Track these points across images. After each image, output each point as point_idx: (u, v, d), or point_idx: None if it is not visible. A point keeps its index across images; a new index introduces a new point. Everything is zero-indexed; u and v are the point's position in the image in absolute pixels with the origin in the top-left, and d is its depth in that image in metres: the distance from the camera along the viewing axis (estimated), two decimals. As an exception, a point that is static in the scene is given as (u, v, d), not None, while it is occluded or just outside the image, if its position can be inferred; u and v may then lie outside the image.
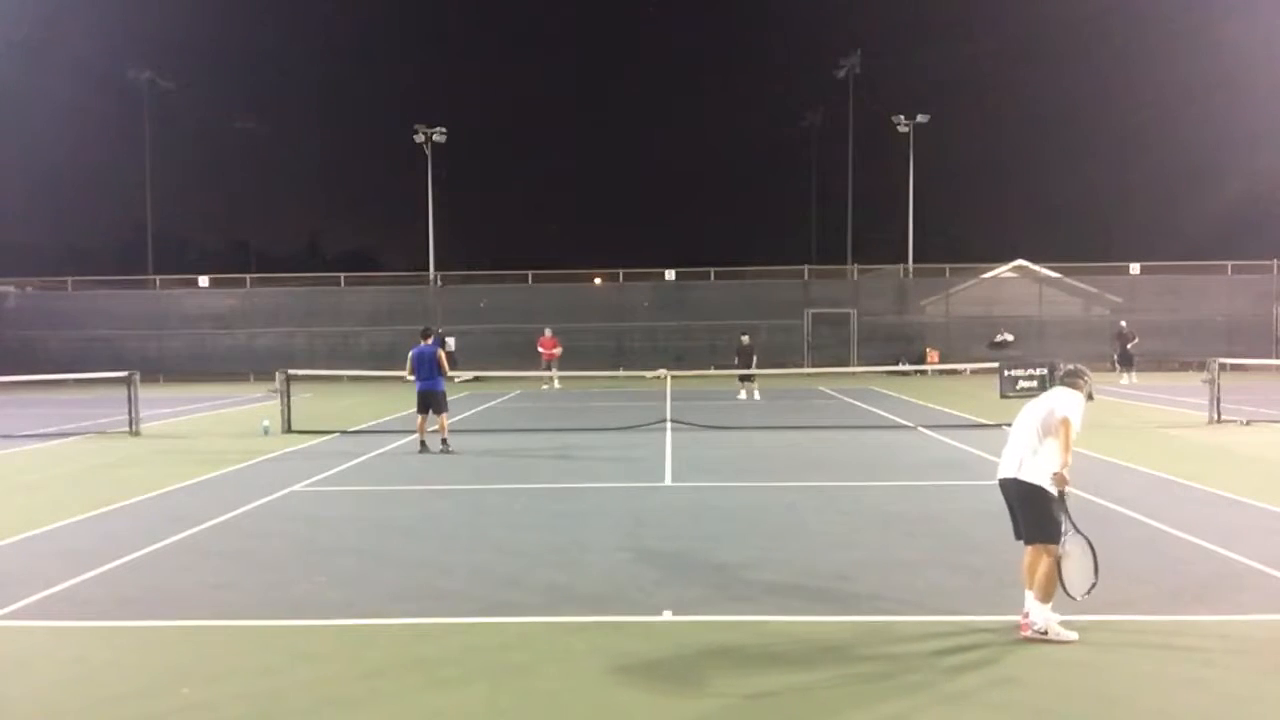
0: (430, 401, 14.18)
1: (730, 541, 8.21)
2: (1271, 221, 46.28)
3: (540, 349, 28.11)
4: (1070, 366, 6.08)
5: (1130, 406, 20.41)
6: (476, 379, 29.82)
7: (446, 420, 14.39)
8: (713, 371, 29.95)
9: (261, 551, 8.11)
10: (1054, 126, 76.80)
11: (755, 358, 23.16)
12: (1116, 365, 27.63)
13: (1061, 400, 5.72)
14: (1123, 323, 28.62)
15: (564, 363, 27.97)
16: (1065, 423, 5.57)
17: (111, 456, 14.43)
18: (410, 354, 14.33)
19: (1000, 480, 5.87)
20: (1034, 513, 5.66)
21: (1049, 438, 5.62)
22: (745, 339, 23.39)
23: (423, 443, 14.12)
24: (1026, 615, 5.64)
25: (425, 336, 14.55)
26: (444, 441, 14.10)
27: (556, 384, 27.69)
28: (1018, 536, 5.84)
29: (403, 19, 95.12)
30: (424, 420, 14.31)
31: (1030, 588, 5.65)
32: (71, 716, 4.77)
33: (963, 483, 11.15)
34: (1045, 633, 5.53)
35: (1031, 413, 5.81)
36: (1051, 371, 17.28)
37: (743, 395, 23.25)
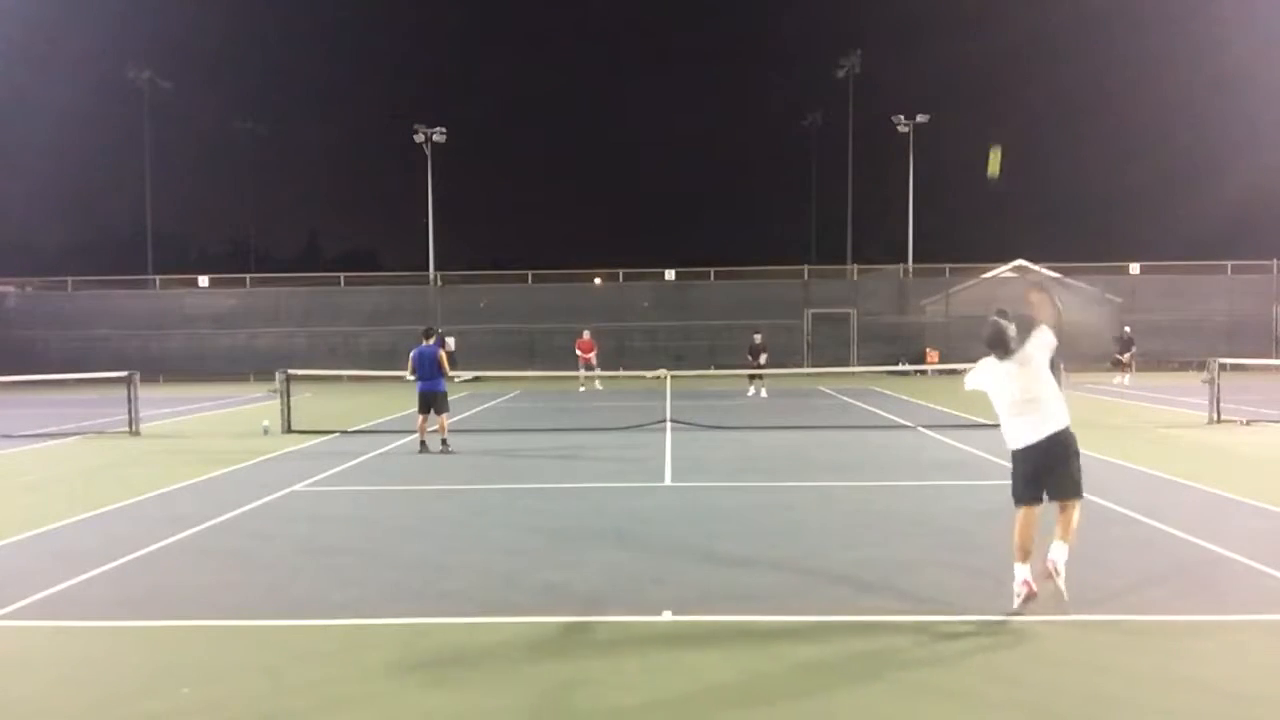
0: (432, 401, 14.17)
1: (730, 541, 8.21)
2: (1271, 221, 46.33)
3: (578, 351, 27.05)
4: (998, 323, 6.17)
5: (1130, 406, 20.42)
6: (476, 379, 29.82)
7: (447, 420, 14.38)
8: (713, 371, 29.97)
9: (261, 551, 8.11)
10: (1053, 126, 76.94)
11: (765, 355, 23.51)
12: (1114, 365, 27.63)
13: (1040, 342, 6.11)
14: (1127, 328, 28.48)
15: (564, 362, 27.85)
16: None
17: (111, 456, 14.43)
18: (411, 354, 14.32)
19: (1049, 437, 5.94)
20: (1078, 460, 5.99)
21: (1052, 378, 6.07)
22: (757, 338, 23.96)
23: (423, 443, 14.11)
24: (1055, 564, 5.92)
25: (427, 337, 14.53)
26: (444, 442, 14.10)
27: (598, 384, 27.05)
28: (1053, 498, 6.03)
29: (403, 19, 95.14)
30: (424, 420, 14.30)
31: (1065, 538, 5.96)
32: (71, 716, 4.77)
33: (963, 483, 11.15)
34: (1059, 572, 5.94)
35: (1031, 369, 6.07)
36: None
37: (751, 392, 23.85)
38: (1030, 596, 5.89)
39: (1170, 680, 5.02)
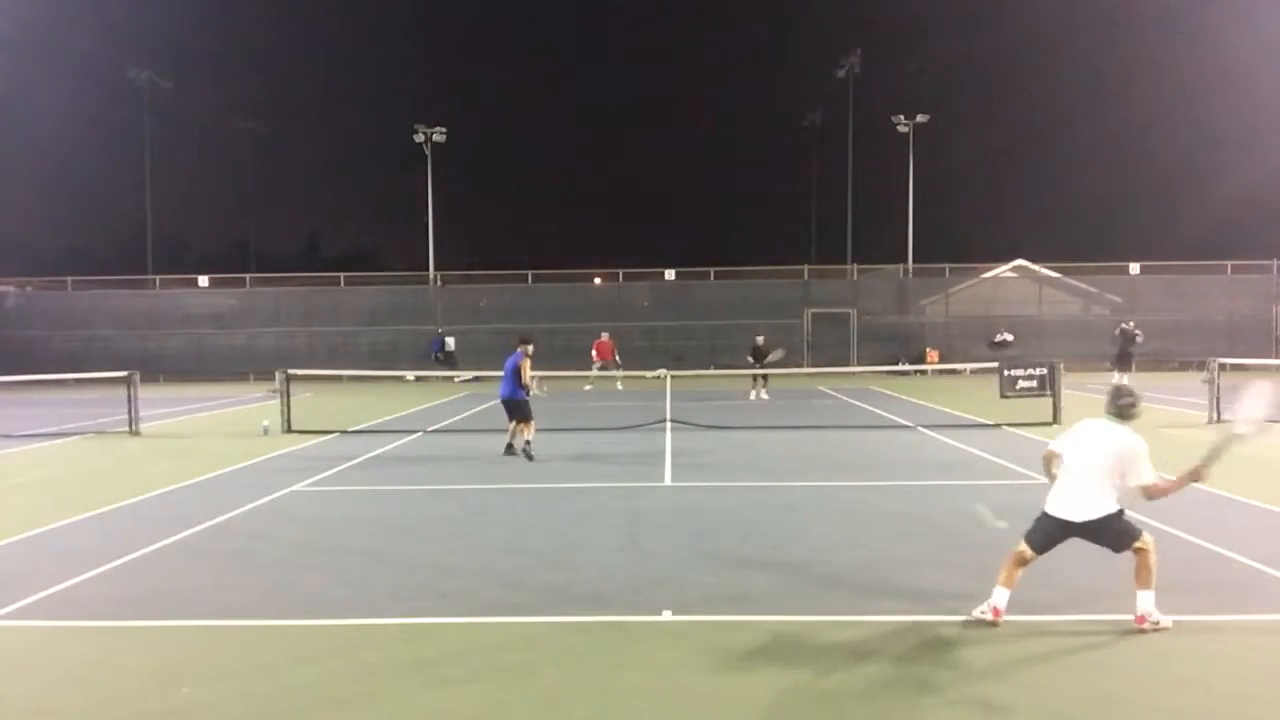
0: (508, 409, 13.61)
1: (730, 542, 8.21)
2: (1271, 221, 46.28)
3: (594, 352, 27.44)
4: (1126, 398, 5.90)
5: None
6: (476, 379, 29.82)
7: (533, 427, 13.53)
8: (713, 371, 29.97)
9: (261, 551, 8.11)
10: (1054, 126, 76.96)
11: (767, 356, 22.84)
12: (1113, 365, 27.41)
13: (1136, 457, 5.67)
14: (1132, 324, 27.84)
15: (562, 362, 27.86)
16: (1149, 489, 5.71)
17: (111, 456, 14.43)
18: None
19: (1075, 523, 5.73)
20: (1116, 531, 5.75)
21: (1115, 480, 5.70)
22: (760, 340, 23.39)
23: (510, 445, 13.56)
24: (1144, 615, 5.75)
25: (520, 344, 13.73)
26: (527, 443, 13.38)
27: (619, 384, 27.15)
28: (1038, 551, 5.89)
29: (403, 19, 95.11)
30: (513, 427, 13.64)
31: (1147, 585, 5.74)
32: (71, 716, 4.77)
33: (963, 483, 11.14)
34: (1157, 623, 5.73)
35: (1095, 452, 5.74)
36: (1052, 372, 17.28)
37: (753, 395, 23.29)
38: (993, 624, 5.78)
39: (1171, 680, 5.02)
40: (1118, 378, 26.44)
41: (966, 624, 5.89)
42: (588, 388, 27.10)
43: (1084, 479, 5.73)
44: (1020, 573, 5.91)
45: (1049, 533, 5.89)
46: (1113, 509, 5.72)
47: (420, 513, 9.85)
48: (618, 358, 27.50)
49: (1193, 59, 61.49)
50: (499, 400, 13.86)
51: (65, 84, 60.60)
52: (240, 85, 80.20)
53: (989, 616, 5.82)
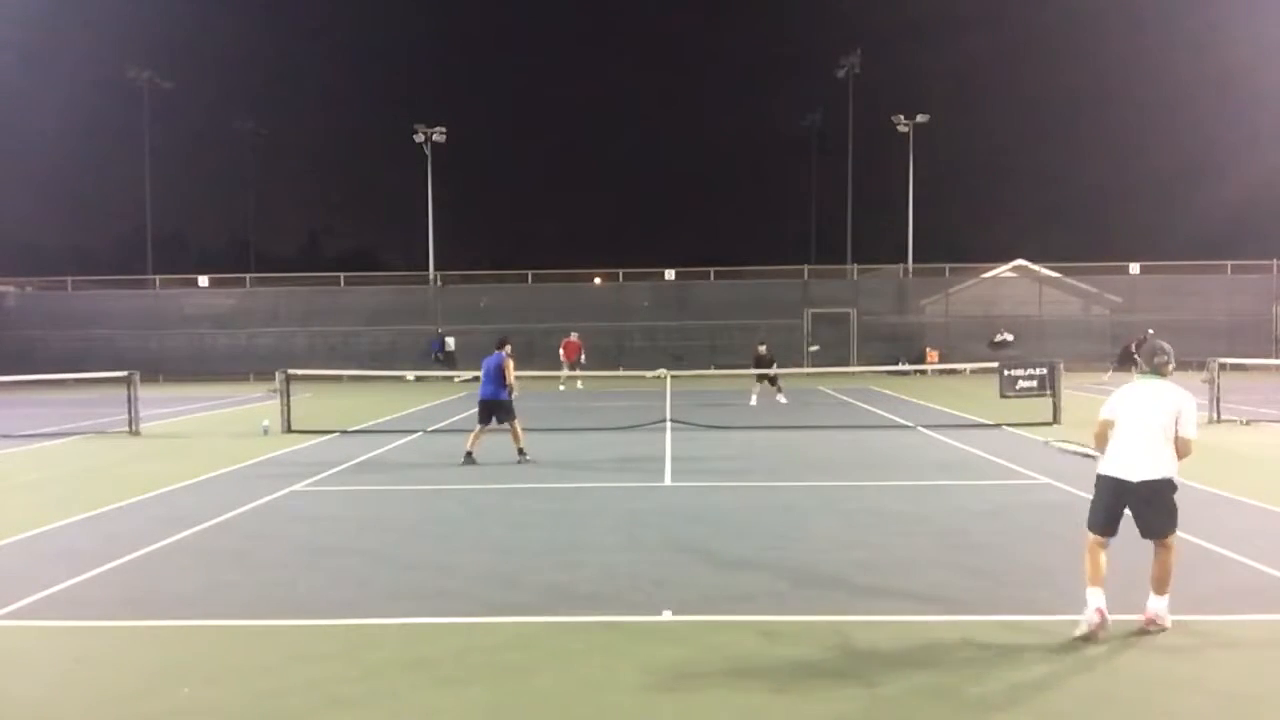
0: (494, 411, 13.31)
1: (730, 541, 8.20)
2: (1271, 221, 46.33)
3: (561, 351, 28.04)
4: (1162, 355, 5.92)
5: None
6: (476, 379, 29.81)
7: (519, 427, 13.29)
8: (713, 371, 29.97)
9: (261, 551, 8.11)
10: (1054, 126, 77.02)
11: (771, 365, 21.60)
12: (1116, 364, 27.40)
13: (1186, 409, 5.69)
14: (1150, 331, 27.37)
15: (561, 363, 27.97)
16: (1186, 445, 5.75)
17: (111, 456, 14.43)
18: (483, 362, 13.68)
19: (1132, 483, 5.72)
20: (1167, 507, 5.80)
21: (1171, 444, 5.72)
22: (762, 348, 21.96)
23: (469, 453, 13.13)
24: (1154, 616, 5.74)
25: (499, 345, 13.68)
26: (521, 451, 13.12)
27: (579, 384, 27.99)
28: (1143, 536, 5.84)
29: (403, 19, 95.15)
30: (480, 431, 13.36)
31: (1162, 591, 5.74)
32: (71, 716, 4.77)
33: (963, 483, 11.14)
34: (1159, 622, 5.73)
35: (1153, 410, 5.72)
36: (1052, 372, 17.26)
37: (753, 399, 21.89)
38: (1100, 625, 5.53)
39: (1171, 680, 5.02)
40: (1109, 376, 26.47)
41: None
42: (580, 386, 27.60)
43: (1144, 437, 5.70)
44: (1104, 559, 5.78)
45: (1107, 505, 5.82)
46: (1171, 473, 5.73)
47: (420, 513, 9.85)
48: (583, 358, 27.96)
49: (1193, 59, 61.54)
50: (479, 402, 13.57)
51: (65, 84, 60.64)
52: (240, 85, 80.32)
53: (1096, 620, 5.54)
